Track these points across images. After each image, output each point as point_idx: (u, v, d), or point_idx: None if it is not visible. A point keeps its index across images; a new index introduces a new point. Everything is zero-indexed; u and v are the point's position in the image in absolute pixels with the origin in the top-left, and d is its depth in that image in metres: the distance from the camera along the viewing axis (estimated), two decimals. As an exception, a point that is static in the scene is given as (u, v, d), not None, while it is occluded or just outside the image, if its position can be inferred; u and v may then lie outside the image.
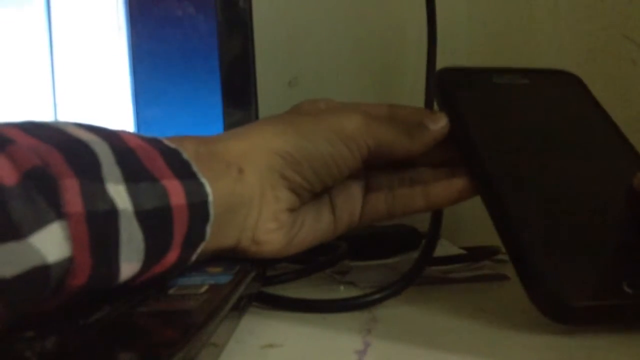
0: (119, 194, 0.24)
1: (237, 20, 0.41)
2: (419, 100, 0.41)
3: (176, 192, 0.27)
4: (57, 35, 0.41)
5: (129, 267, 0.25)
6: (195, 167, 0.29)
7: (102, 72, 0.41)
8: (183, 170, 0.28)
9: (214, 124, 0.42)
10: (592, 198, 0.34)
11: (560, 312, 0.29)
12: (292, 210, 0.35)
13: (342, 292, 0.39)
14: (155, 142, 0.28)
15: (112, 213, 0.24)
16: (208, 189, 0.29)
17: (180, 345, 0.22)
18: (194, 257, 0.29)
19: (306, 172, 0.34)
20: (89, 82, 0.41)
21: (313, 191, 0.35)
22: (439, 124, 0.37)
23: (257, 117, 0.41)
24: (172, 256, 0.27)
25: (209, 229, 0.29)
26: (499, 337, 0.30)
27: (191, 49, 0.41)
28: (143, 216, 0.25)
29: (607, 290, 0.29)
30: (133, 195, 0.25)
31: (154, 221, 0.26)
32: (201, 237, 0.29)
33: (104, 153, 0.25)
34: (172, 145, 0.29)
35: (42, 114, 0.41)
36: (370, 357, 0.27)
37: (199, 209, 0.28)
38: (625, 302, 0.29)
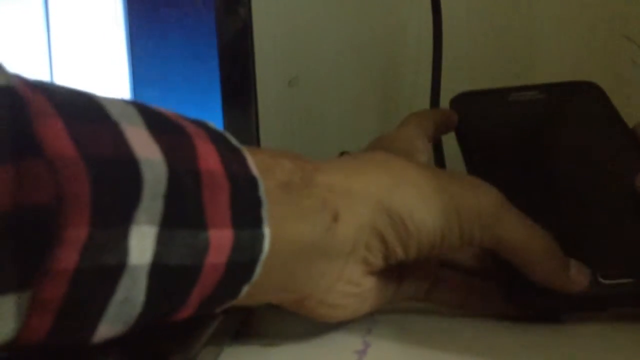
0: (142, 241, 0.20)
1: (237, 20, 0.41)
2: (419, 100, 0.41)
3: (220, 248, 0.22)
4: (55, 28, 0.41)
5: (109, 329, 0.21)
6: (265, 211, 0.23)
7: (101, 71, 0.41)
8: (248, 213, 0.23)
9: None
10: (586, 199, 0.34)
11: (534, 300, 0.30)
12: (374, 274, 0.29)
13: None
14: (235, 166, 0.23)
15: (116, 269, 0.19)
16: (266, 244, 0.23)
17: (180, 346, 0.22)
18: (216, 311, 0.25)
19: (411, 246, 0.28)
20: (87, 79, 0.41)
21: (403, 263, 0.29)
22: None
23: (257, 117, 0.41)
24: (180, 315, 0.23)
25: (245, 289, 0.24)
26: (499, 337, 0.29)
27: (190, 48, 0.41)
28: (158, 272, 0.20)
29: None
30: (161, 244, 0.20)
31: (169, 280, 0.21)
32: (232, 295, 0.24)
33: (154, 181, 0.20)
34: (255, 172, 0.24)
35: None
36: (370, 357, 0.27)
37: (242, 268, 0.23)
38: (598, 291, 0.30)
